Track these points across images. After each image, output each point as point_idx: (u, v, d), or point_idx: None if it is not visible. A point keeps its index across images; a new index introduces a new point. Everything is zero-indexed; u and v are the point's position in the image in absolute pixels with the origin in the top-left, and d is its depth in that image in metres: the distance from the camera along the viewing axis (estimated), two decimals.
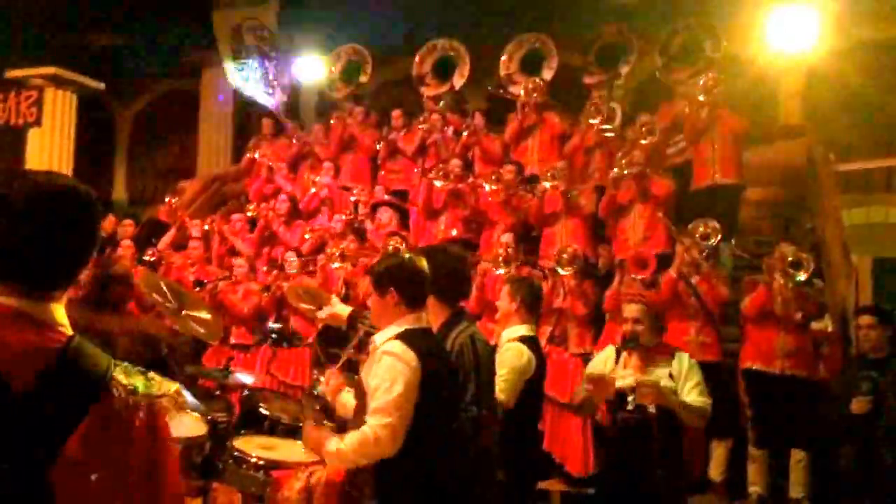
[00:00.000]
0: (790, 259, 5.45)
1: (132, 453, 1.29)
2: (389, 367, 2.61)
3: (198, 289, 6.67)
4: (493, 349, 3.41)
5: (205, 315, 3.87)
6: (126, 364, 1.38)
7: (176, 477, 1.39)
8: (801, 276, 5.35)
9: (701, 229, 5.85)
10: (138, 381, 1.36)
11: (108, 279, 3.34)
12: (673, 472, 3.61)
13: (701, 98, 6.70)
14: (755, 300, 5.55)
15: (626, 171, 6.40)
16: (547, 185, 6.68)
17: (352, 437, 2.63)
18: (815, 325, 5.77)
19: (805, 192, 7.33)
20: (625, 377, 3.72)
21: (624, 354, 3.83)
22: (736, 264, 6.71)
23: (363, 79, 9.37)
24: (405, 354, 2.62)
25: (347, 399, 3.04)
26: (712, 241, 5.81)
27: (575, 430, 5.61)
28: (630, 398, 3.58)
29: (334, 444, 2.69)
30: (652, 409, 3.51)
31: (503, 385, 3.62)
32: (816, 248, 6.37)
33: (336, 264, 6.74)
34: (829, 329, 5.98)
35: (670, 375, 3.70)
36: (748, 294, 5.67)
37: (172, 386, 1.40)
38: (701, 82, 6.83)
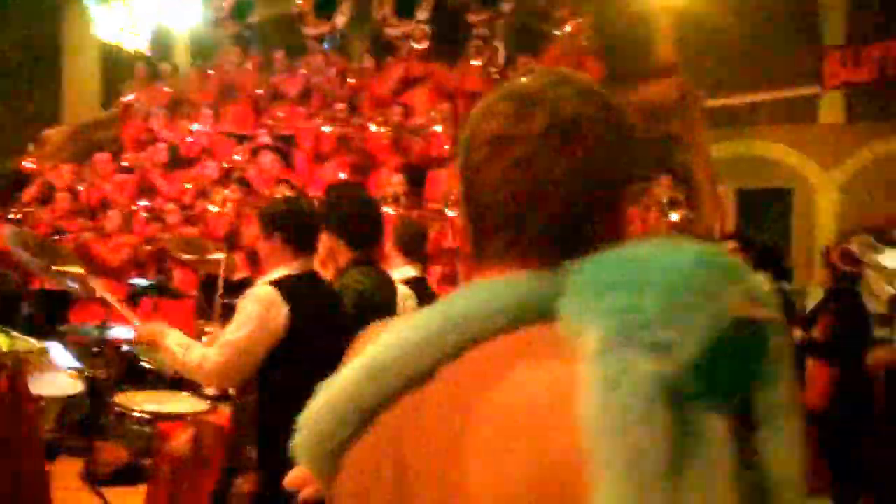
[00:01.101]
0: (665, 199, 5.75)
1: None
2: (248, 307, 2.61)
3: (56, 237, 6.34)
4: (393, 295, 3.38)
5: (78, 270, 3.70)
6: None
7: (37, 430, 1.37)
8: (676, 216, 5.67)
9: None
10: (2, 340, 1.32)
11: None
12: None
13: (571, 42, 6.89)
14: (632, 235, 5.83)
15: None
16: (438, 128, 6.70)
17: (191, 350, 2.63)
18: None
19: (677, 129, 7.66)
20: None
21: None
22: None
23: (253, 18, 9.01)
24: (269, 299, 2.61)
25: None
26: None
27: None
28: None
29: (173, 343, 2.67)
30: None
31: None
32: (687, 180, 6.70)
33: (215, 208, 6.57)
34: None
35: None
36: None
37: (38, 344, 1.37)
38: (570, 26, 7.01)
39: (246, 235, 6.31)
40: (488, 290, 0.75)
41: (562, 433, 0.60)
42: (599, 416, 0.58)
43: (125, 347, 3.37)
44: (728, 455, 0.58)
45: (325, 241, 3.00)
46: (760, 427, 0.62)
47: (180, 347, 2.65)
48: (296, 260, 2.78)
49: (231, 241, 6.40)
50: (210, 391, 3.33)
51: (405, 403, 0.75)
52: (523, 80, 0.80)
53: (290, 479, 1.05)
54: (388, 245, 3.97)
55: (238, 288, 6.11)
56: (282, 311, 2.60)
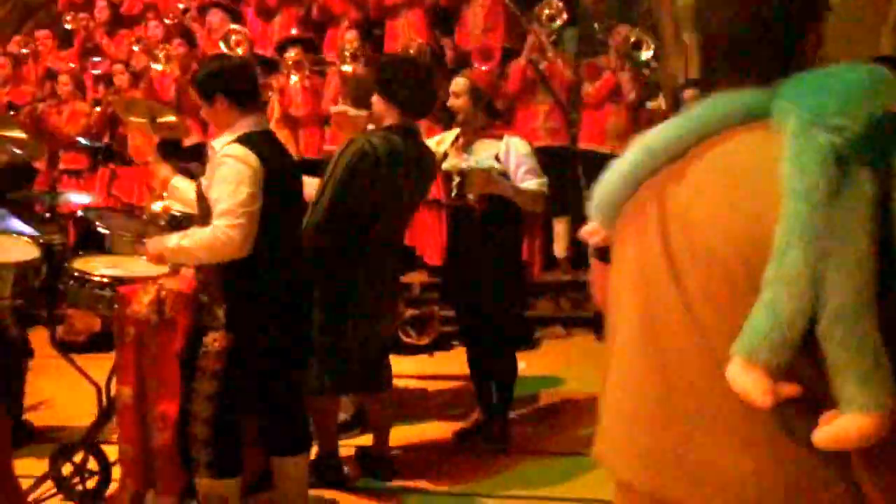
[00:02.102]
0: (632, 40, 5.63)
1: None
2: (232, 169, 2.56)
3: (12, 113, 6.09)
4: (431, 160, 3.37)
5: (19, 134, 3.56)
6: None
7: None
8: (644, 56, 5.57)
9: (546, 11, 5.84)
10: None
11: None
12: (507, 258, 3.70)
13: None
14: (602, 87, 5.75)
15: None
16: None
17: (200, 234, 2.60)
18: (650, 104, 6.08)
19: None
20: (452, 161, 3.62)
21: (455, 132, 3.78)
22: (578, 50, 6.83)
23: None
24: (247, 157, 2.58)
25: (182, 185, 3.01)
26: (558, 22, 5.84)
27: (432, 221, 5.77)
28: (454, 183, 3.53)
29: (175, 239, 2.67)
30: (472, 197, 3.50)
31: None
32: (653, 28, 6.53)
33: (159, 66, 6.32)
34: (663, 107, 6.30)
35: (497, 159, 3.57)
36: (590, 80, 5.85)
37: None
38: None
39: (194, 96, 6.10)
40: (724, 99, 1.15)
41: (765, 178, 1.04)
42: (793, 166, 1.00)
43: (80, 213, 3.29)
44: (868, 202, 0.98)
45: (376, 102, 3.17)
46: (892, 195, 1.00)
47: (182, 237, 2.65)
48: (245, 118, 2.71)
49: (179, 104, 6.19)
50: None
51: (665, 171, 1.19)
52: None
53: (585, 231, 1.38)
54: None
55: (191, 153, 6.01)
56: (258, 167, 2.58)
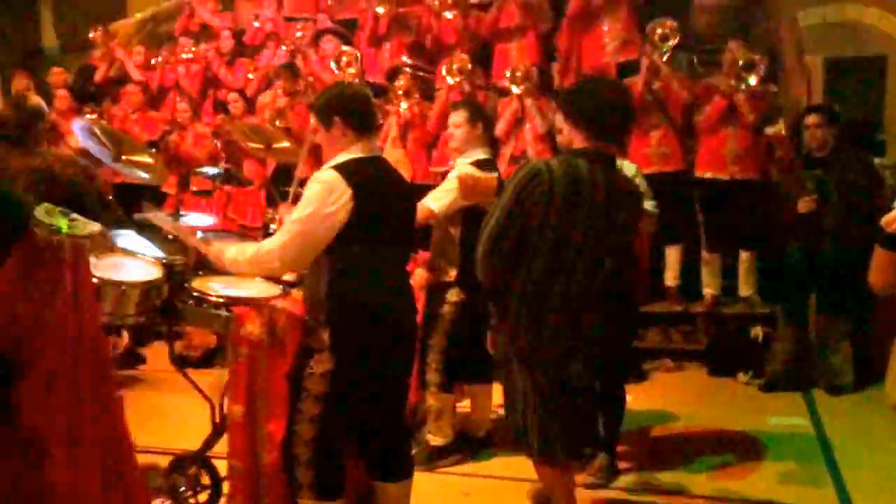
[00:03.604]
0: (741, 61, 5.41)
1: (59, 289, 1.29)
2: (312, 193, 2.63)
3: (154, 150, 6.49)
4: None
5: (146, 159, 3.75)
6: (47, 204, 1.35)
7: (96, 309, 1.39)
8: (753, 79, 5.34)
9: (659, 31, 5.70)
10: (61, 222, 1.33)
11: (24, 115, 3.21)
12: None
13: None
14: (713, 110, 5.55)
15: None
16: None
17: (247, 249, 2.74)
18: (769, 130, 5.82)
19: None
20: None
21: None
22: (691, 73, 6.63)
23: None
24: (333, 181, 2.62)
25: None
26: (671, 42, 5.68)
27: None
28: None
29: (231, 252, 2.78)
30: None
31: (436, 195, 3.71)
32: (772, 50, 6.27)
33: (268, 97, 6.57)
34: (783, 132, 6.02)
35: None
36: (704, 102, 5.66)
37: (95, 227, 1.37)
38: None
39: (300, 128, 6.32)
40: None
41: None
42: None
43: (199, 234, 3.45)
44: None
45: (562, 129, 2.94)
46: None
47: (234, 253, 2.76)
48: (358, 143, 2.75)
49: (287, 128, 6.40)
50: (287, 277, 3.41)
51: None
52: None
53: (888, 218, 1.46)
54: (460, 128, 3.89)
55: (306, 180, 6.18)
56: (344, 195, 2.60)
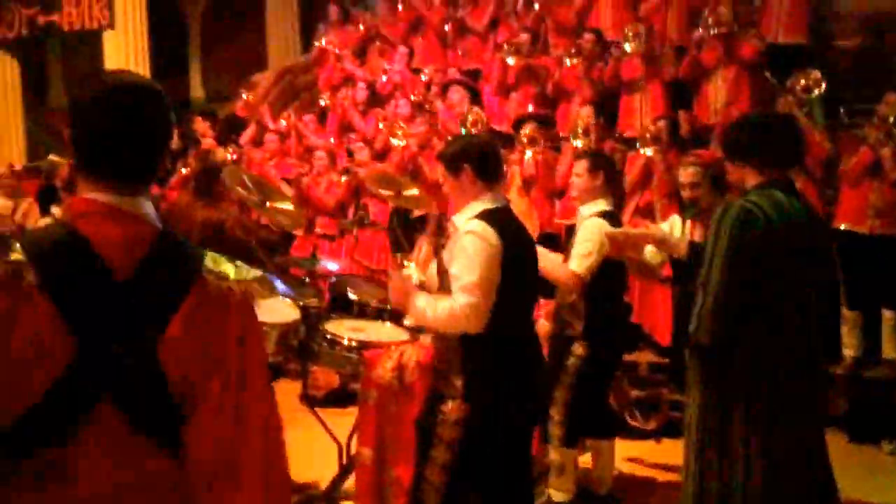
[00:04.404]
0: (892, 118, 5.16)
1: (228, 331, 1.39)
2: (472, 245, 2.62)
3: (284, 186, 6.84)
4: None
5: (287, 206, 3.96)
6: (212, 253, 1.46)
7: (260, 358, 1.48)
8: None
9: (802, 82, 5.53)
10: (228, 268, 1.44)
11: (212, 169, 3.42)
12: None
13: None
14: (859, 162, 5.30)
15: (712, 31, 6.04)
16: (627, 47, 6.38)
17: (441, 307, 2.65)
18: None
19: None
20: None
21: (688, 223, 3.63)
22: (829, 122, 6.37)
23: None
24: (486, 233, 2.63)
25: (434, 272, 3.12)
26: (816, 93, 5.49)
27: (663, 300, 5.58)
28: None
29: (423, 302, 2.71)
30: None
31: (579, 260, 3.63)
32: None
33: (399, 143, 6.76)
34: None
35: None
36: (848, 154, 5.42)
37: (258, 272, 1.47)
38: None
39: (428, 172, 6.48)
40: None
41: None
42: None
43: (333, 279, 3.60)
44: None
45: (730, 170, 2.86)
46: None
47: (429, 305, 2.70)
48: (488, 192, 2.79)
49: (415, 177, 6.58)
50: (409, 321, 3.48)
51: None
52: None
53: None
54: (585, 178, 3.89)
55: (417, 223, 6.34)
56: (496, 241, 2.62)
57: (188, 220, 3.16)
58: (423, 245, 3.26)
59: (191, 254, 1.44)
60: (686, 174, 3.58)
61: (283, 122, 8.18)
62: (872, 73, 6.87)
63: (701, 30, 6.18)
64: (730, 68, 6.10)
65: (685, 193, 3.57)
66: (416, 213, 6.44)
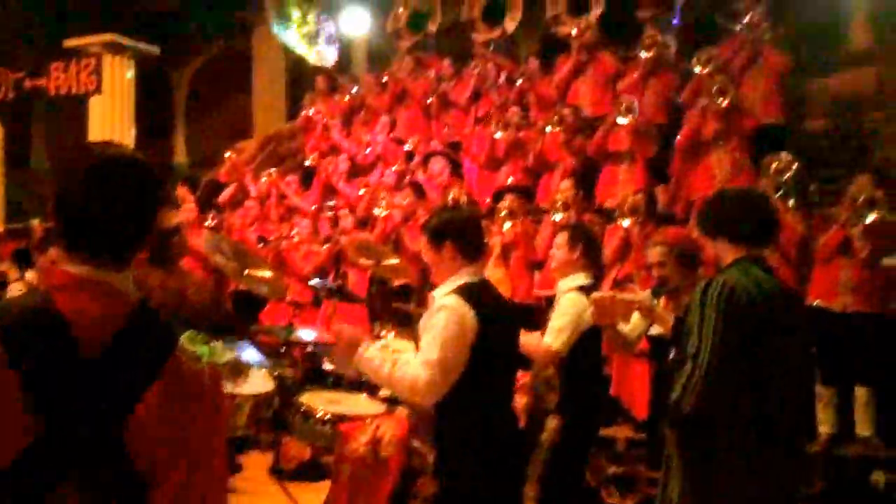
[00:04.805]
0: (862, 197, 5.28)
1: (197, 415, 1.37)
2: (442, 320, 2.62)
3: (261, 245, 6.82)
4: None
5: (267, 274, 3.96)
6: (191, 331, 1.45)
7: (224, 440, 1.46)
8: (872, 217, 5.20)
9: (774, 164, 5.67)
10: (203, 349, 1.43)
11: (164, 233, 3.41)
12: None
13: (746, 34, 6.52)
14: (830, 241, 5.41)
15: (720, 101, 6.08)
16: (621, 120, 6.50)
17: (402, 372, 2.62)
18: (886, 261, 5.60)
19: (874, 122, 7.02)
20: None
21: (662, 300, 3.65)
22: (807, 201, 6.52)
23: (431, 28, 9.23)
24: (461, 308, 2.63)
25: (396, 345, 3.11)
26: (788, 175, 5.62)
27: (641, 374, 5.57)
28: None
29: (376, 353, 2.69)
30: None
31: (555, 334, 3.63)
32: (888, 179, 6.10)
33: (383, 212, 6.82)
34: None
35: None
36: (821, 233, 5.53)
37: (232, 354, 1.46)
38: (745, 20, 6.60)
39: (411, 243, 6.52)
40: None
41: None
42: None
43: (310, 349, 3.57)
44: None
45: (708, 246, 2.90)
46: None
47: (383, 362, 2.67)
48: (468, 267, 2.81)
49: (396, 247, 6.61)
50: (385, 393, 3.45)
51: None
52: None
53: None
54: (565, 251, 3.92)
55: (399, 293, 6.34)
56: (470, 318, 2.62)
57: (143, 286, 3.12)
58: (386, 331, 3.28)
59: (166, 332, 1.43)
60: (653, 254, 3.64)
61: (263, 180, 8.24)
62: (844, 154, 7.09)
63: (702, 99, 6.29)
64: (730, 141, 6.17)
65: (654, 272, 3.63)
66: (396, 283, 6.45)
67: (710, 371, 2.51)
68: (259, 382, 3.17)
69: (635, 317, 3.48)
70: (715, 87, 6.18)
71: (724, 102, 6.10)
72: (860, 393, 5.31)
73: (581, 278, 3.89)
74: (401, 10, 9.33)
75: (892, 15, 8.37)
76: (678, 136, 6.41)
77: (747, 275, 2.60)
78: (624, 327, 3.55)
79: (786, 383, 2.58)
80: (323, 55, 10.02)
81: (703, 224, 2.90)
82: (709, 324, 2.54)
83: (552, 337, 3.63)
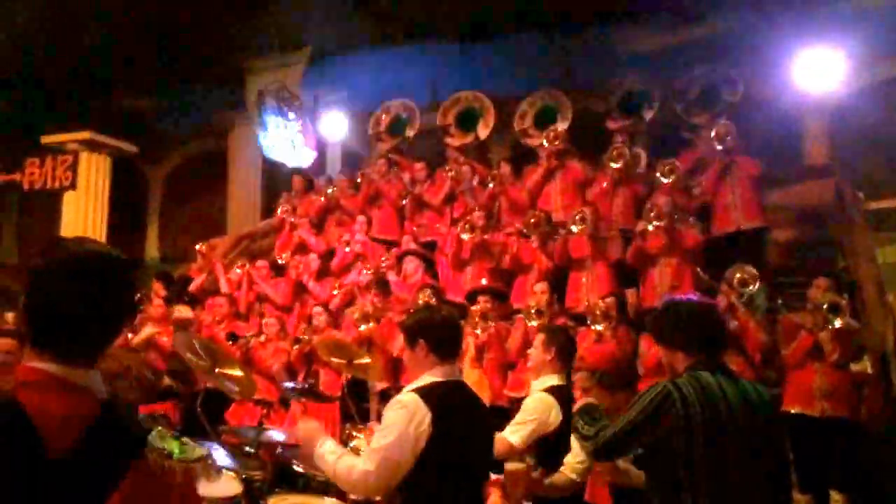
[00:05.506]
0: (826, 304, 5.40)
1: None
2: (393, 417, 2.62)
3: (231, 343, 6.72)
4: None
5: (237, 372, 3.89)
6: (161, 428, 1.42)
7: None
8: (838, 322, 5.30)
9: (738, 276, 5.82)
10: (173, 446, 1.40)
11: None
12: None
13: (717, 146, 6.79)
14: (799, 347, 5.49)
15: (653, 224, 6.38)
16: (574, 228, 6.69)
17: (346, 464, 2.65)
18: (854, 367, 5.67)
19: (835, 232, 7.26)
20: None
21: None
22: (768, 307, 6.63)
23: (410, 133, 9.51)
24: (415, 408, 2.61)
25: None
26: (751, 287, 5.76)
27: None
28: None
29: (329, 449, 2.70)
30: None
31: (514, 428, 3.63)
32: (850, 288, 6.26)
33: (363, 326, 6.81)
34: (869, 370, 5.85)
35: None
36: (788, 339, 5.60)
37: (203, 451, 1.43)
38: (714, 132, 6.91)
39: (383, 342, 6.49)
40: None
41: None
42: None
43: (279, 450, 3.47)
44: None
45: (663, 354, 2.87)
46: None
47: (333, 455, 2.68)
48: (440, 367, 2.79)
49: (369, 347, 6.56)
50: (354, 497, 3.34)
51: None
52: None
53: None
54: (540, 352, 3.93)
55: (381, 397, 6.26)
56: (425, 419, 2.60)
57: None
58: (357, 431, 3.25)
59: (134, 429, 1.39)
60: (578, 379, 3.73)
61: (237, 271, 8.22)
62: (809, 262, 7.28)
63: (643, 222, 6.51)
64: (673, 256, 6.39)
65: (576, 395, 3.72)
66: (379, 387, 6.42)
67: (616, 436, 2.65)
68: (226, 485, 3.07)
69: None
70: (652, 212, 6.40)
71: (661, 223, 6.32)
72: (836, 499, 5.28)
73: (553, 379, 3.89)
74: (383, 116, 9.61)
75: (844, 130, 8.82)
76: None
77: (696, 381, 2.61)
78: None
79: (749, 489, 2.54)
80: (301, 158, 10.25)
81: (654, 332, 2.97)
82: (627, 415, 2.64)
83: (510, 430, 3.64)
